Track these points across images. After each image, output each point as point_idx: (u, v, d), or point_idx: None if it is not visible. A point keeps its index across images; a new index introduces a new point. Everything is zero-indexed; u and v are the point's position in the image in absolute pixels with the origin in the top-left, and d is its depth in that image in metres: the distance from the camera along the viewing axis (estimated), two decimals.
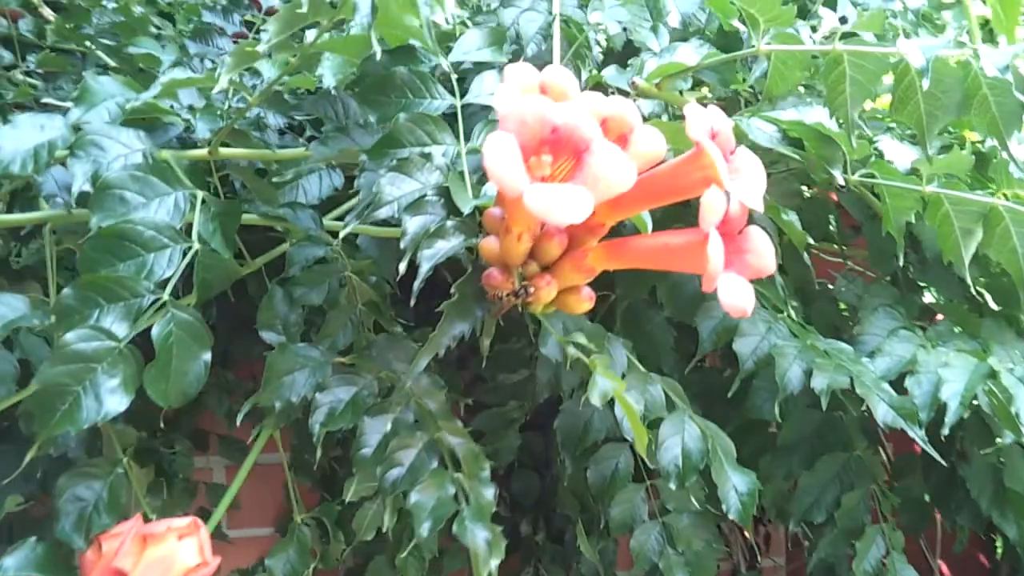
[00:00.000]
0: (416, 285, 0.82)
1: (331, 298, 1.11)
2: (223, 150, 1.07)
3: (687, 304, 1.30)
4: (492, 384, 1.60)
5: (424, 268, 0.81)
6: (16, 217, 1.03)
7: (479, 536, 0.91)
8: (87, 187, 0.91)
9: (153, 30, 1.46)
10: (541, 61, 1.16)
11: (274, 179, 1.19)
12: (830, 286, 1.65)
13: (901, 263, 1.18)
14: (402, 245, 0.84)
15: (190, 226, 0.95)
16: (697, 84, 1.30)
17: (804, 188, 1.54)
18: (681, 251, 0.72)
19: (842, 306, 1.62)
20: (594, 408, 1.28)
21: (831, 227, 1.63)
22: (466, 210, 0.86)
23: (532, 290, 0.78)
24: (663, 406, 1.12)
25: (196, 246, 0.92)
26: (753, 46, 0.98)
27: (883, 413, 1.13)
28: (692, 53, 1.01)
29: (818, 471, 1.47)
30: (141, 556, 0.88)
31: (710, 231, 0.68)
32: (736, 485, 1.08)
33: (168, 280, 0.90)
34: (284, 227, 1.17)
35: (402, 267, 0.83)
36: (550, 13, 1.18)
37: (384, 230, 1.09)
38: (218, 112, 1.11)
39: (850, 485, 1.47)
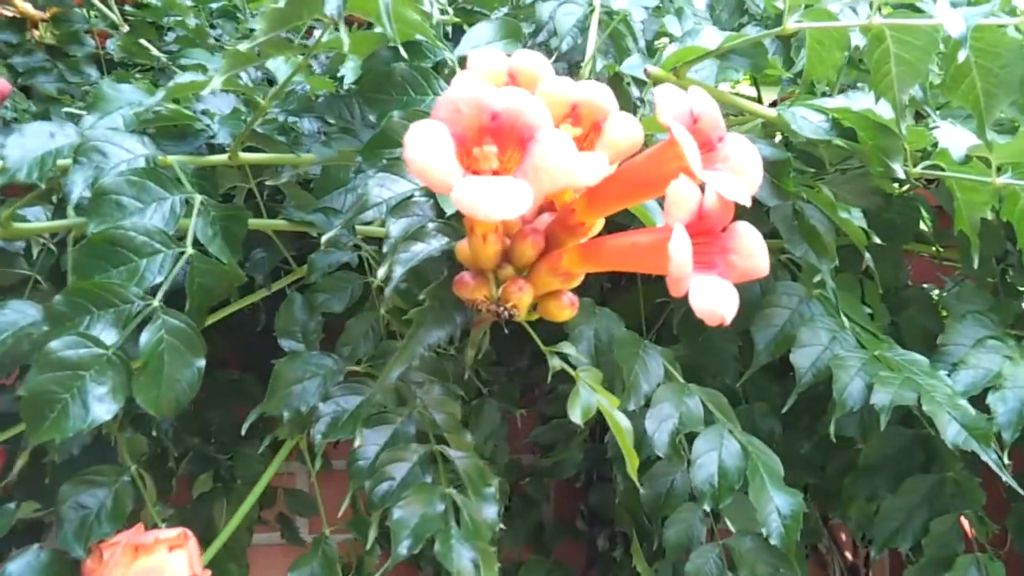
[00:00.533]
0: (387, 291, 0.75)
1: (353, 305, 1.06)
2: (244, 155, 1.04)
3: (742, 310, 1.18)
4: (553, 395, 1.52)
5: (397, 272, 0.75)
6: (36, 226, 1.02)
7: (464, 556, 0.83)
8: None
9: (212, 40, 1.45)
10: (576, 56, 1.09)
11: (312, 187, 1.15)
12: (937, 291, 1.50)
13: (976, 264, 1.04)
14: (384, 249, 0.78)
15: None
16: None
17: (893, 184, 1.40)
18: (649, 250, 0.63)
19: (944, 313, 1.46)
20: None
21: (925, 227, 1.47)
22: (451, 210, 0.78)
23: (511, 304, 0.70)
24: (700, 419, 1.01)
25: (189, 251, 0.88)
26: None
27: (953, 433, 0.99)
28: (715, 36, 0.90)
29: (904, 493, 1.32)
30: (131, 567, 0.85)
31: (674, 227, 0.58)
32: (779, 507, 0.96)
33: (160, 286, 0.86)
34: (316, 232, 1.13)
35: (381, 272, 0.76)
36: (590, 5, 1.10)
37: None
38: (243, 117, 1.08)
39: (941, 509, 1.30)
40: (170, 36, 1.56)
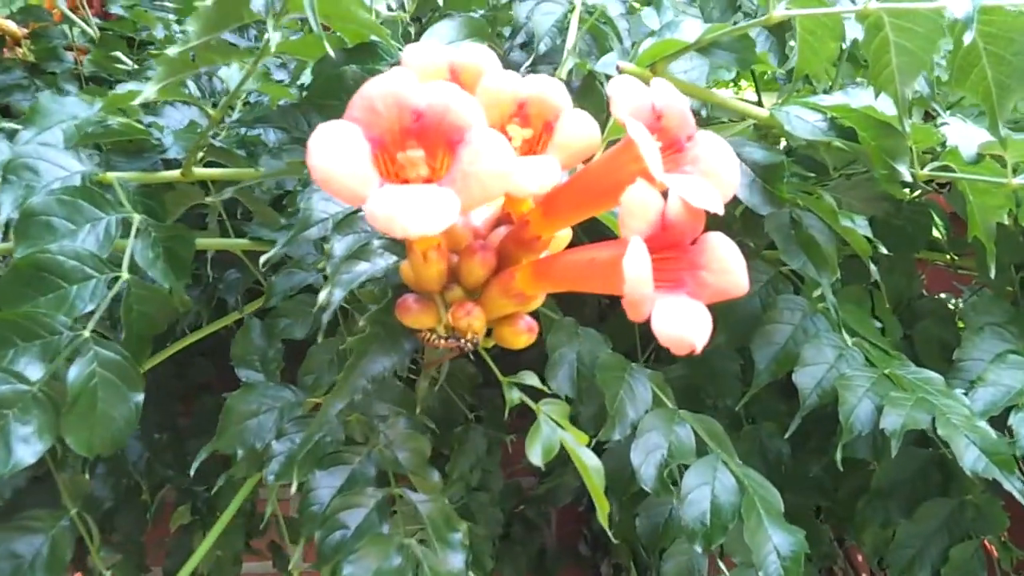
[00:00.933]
0: (325, 317, 0.66)
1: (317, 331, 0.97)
2: (199, 171, 0.96)
3: (741, 326, 1.09)
4: None
5: (336, 296, 0.66)
6: None
7: None
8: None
9: None
10: (558, 58, 1.00)
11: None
12: (954, 301, 1.39)
13: (992, 273, 0.93)
14: (327, 270, 0.69)
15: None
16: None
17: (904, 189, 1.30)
18: (607, 267, 0.53)
19: (961, 324, 1.36)
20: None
21: (938, 234, 1.36)
22: None
23: (464, 331, 0.61)
24: (691, 450, 0.91)
25: (124, 276, 0.79)
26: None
27: (972, 459, 0.89)
28: (695, 28, 0.81)
29: (921, 519, 1.21)
30: None
31: (630, 240, 0.49)
32: (778, 546, 0.86)
33: (92, 314, 0.78)
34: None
35: (322, 296, 0.67)
36: (570, 3, 1.01)
37: None
38: (198, 131, 1.00)
39: (961, 535, 1.20)
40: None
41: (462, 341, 0.62)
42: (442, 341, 0.62)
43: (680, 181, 0.53)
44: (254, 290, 1.20)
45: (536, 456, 0.63)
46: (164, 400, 1.35)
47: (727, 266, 0.54)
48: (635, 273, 0.48)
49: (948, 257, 1.37)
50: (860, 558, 1.81)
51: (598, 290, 0.56)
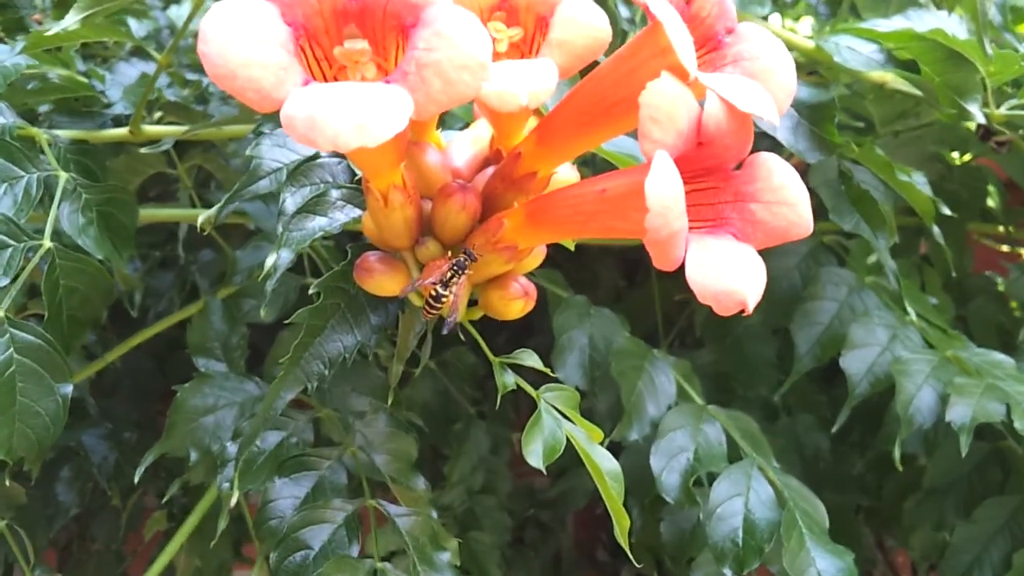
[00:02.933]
0: (269, 286, 0.52)
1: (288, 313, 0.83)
2: (149, 128, 0.82)
3: (779, 304, 0.94)
4: None
5: (283, 258, 0.52)
6: None
7: None
8: None
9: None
10: None
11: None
12: (999, 279, 1.23)
13: None
14: (278, 228, 0.55)
15: None
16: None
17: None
18: (623, 200, 0.39)
19: (1014, 305, 1.20)
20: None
21: (991, 203, 1.21)
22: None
23: (449, 294, 0.46)
24: (721, 454, 0.76)
25: (47, 245, 0.65)
26: None
27: None
28: None
29: (979, 520, 1.05)
30: None
31: (654, 154, 0.34)
32: (822, 571, 0.71)
33: (7, 290, 0.64)
34: (253, 225, 0.91)
35: (269, 261, 0.53)
36: None
37: None
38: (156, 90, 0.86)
39: None
40: None
41: (433, 311, 0.47)
42: (427, 309, 0.48)
43: (721, 79, 0.38)
44: None
45: (535, 457, 0.48)
46: (140, 396, 1.22)
47: (786, 196, 0.40)
48: (660, 196, 0.33)
49: (1002, 229, 1.21)
50: (901, 560, 1.65)
51: (611, 233, 0.41)
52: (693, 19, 0.41)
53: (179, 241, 1.07)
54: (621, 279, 1.30)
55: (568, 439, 0.51)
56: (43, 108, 0.87)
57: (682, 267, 0.91)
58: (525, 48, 0.45)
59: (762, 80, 0.40)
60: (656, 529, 0.99)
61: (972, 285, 1.21)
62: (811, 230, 0.40)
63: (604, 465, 0.49)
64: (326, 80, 0.37)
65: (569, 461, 1.29)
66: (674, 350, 1.08)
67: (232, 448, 0.70)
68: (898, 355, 0.85)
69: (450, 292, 0.45)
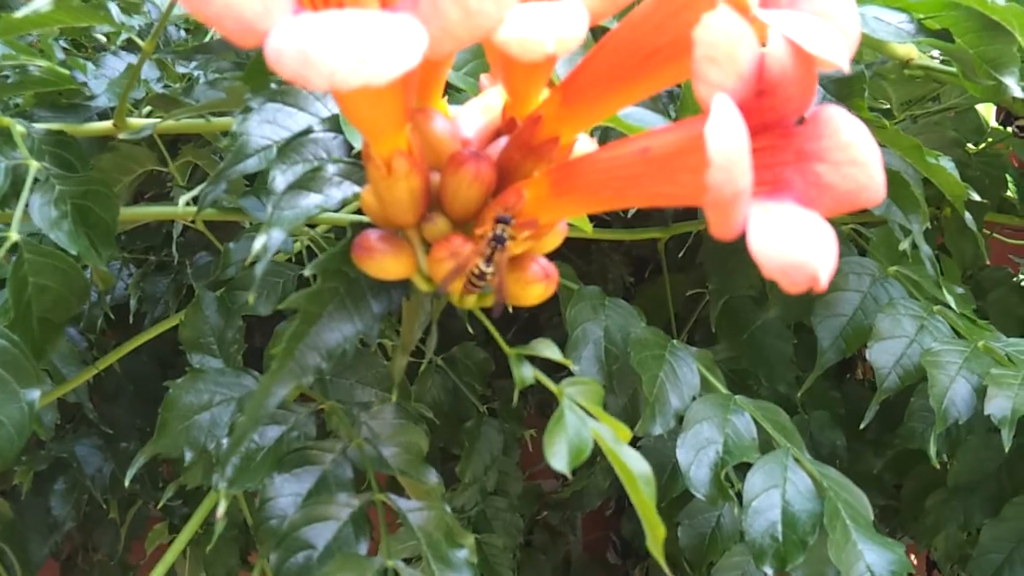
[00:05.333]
0: (259, 268, 0.46)
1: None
2: (134, 120, 0.75)
3: (798, 298, 0.87)
4: None
5: (275, 238, 0.45)
6: None
7: None
8: None
9: None
10: None
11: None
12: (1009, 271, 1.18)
13: None
14: (268, 209, 0.48)
15: None
16: None
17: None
18: (671, 159, 0.32)
19: None
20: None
21: (1009, 192, 1.15)
22: (360, 144, 0.49)
23: (492, 270, 0.39)
24: (753, 445, 0.70)
25: (13, 237, 0.59)
26: None
27: None
28: None
29: (1009, 518, 0.98)
30: None
31: (712, 100, 0.28)
32: (872, 566, 0.64)
33: None
34: (248, 222, 0.85)
35: (258, 243, 0.46)
36: None
37: None
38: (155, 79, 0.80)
39: None
40: None
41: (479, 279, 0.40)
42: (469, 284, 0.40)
43: (786, 16, 0.32)
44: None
45: (559, 459, 0.42)
46: (142, 401, 1.15)
47: (855, 155, 0.33)
48: (725, 146, 0.27)
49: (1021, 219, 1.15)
50: (914, 560, 1.59)
51: (654, 200, 0.35)
52: None
53: (174, 243, 1.01)
54: (629, 275, 1.24)
55: (595, 440, 0.44)
56: (20, 101, 0.81)
57: (693, 260, 0.83)
58: None
59: (826, 19, 0.34)
60: (673, 533, 0.93)
61: (989, 277, 1.15)
62: (884, 195, 0.34)
63: (634, 467, 0.42)
64: (317, 9, 0.31)
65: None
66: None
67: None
68: (927, 346, 0.79)
69: (492, 268, 0.39)
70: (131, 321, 1.03)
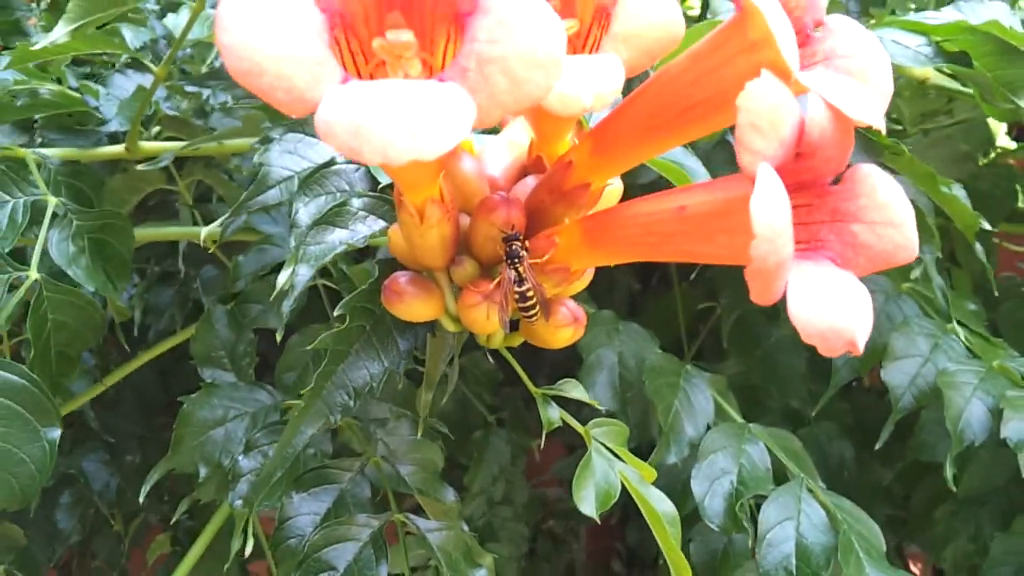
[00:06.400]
0: (286, 306, 0.46)
1: (298, 317, 0.77)
2: (146, 144, 0.75)
3: None
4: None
5: (301, 275, 0.46)
6: None
7: None
8: None
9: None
10: None
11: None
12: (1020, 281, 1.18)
13: None
14: (291, 242, 0.49)
15: None
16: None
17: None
18: (708, 220, 0.33)
19: None
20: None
21: (1020, 203, 1.15)
22: (385, 179, 0.49)
23: (528, 285, 0.40)
24: (767, 476, 0.70)
25: (33, 276, 0.59)
26: None
27: None
28: None
29: (1020, 532, 0.99)
30: None
31: (757, 169, 0.29)
32: None
33: None
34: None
35: (281, 278, 0.47)
36: None
37: None
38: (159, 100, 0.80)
39: None
40: None
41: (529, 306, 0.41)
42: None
43: (826, 80, 0.32)
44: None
45: (588, 504, 0.42)
46: (142, 410, 1.15)
47: (892, 215, 0.34)
48: (769, 218, 0.28)
49: None
50: (919, 568, 1.60)
51: (688, 257, 0.35)
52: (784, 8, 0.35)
53: (179, 254, 1.01)
54: (636, 284, 1.24)
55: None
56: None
57: (702, 268, 0.83)
58: (579, 43, 0.39)
59: (859, 79, 0.34)
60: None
61: (999, 288, 1.16)
62: (916, 255, 0.34)
63: (660, 508, 0.43)
64: (361, 74, 0.31)
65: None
66: (697, 361, 1.02)
67: (244, 463, 0.64)
68: (942, 366, 0.80)
69: (527, 282, 0.39)
70: (136, 333, 1.03)
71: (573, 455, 1.27)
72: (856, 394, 1.23)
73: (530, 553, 1.40)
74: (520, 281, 0.39)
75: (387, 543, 0.61)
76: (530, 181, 0.44)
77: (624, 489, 1.36)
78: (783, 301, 0.82)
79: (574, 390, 0.46)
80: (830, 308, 0.31)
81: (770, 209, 0.28)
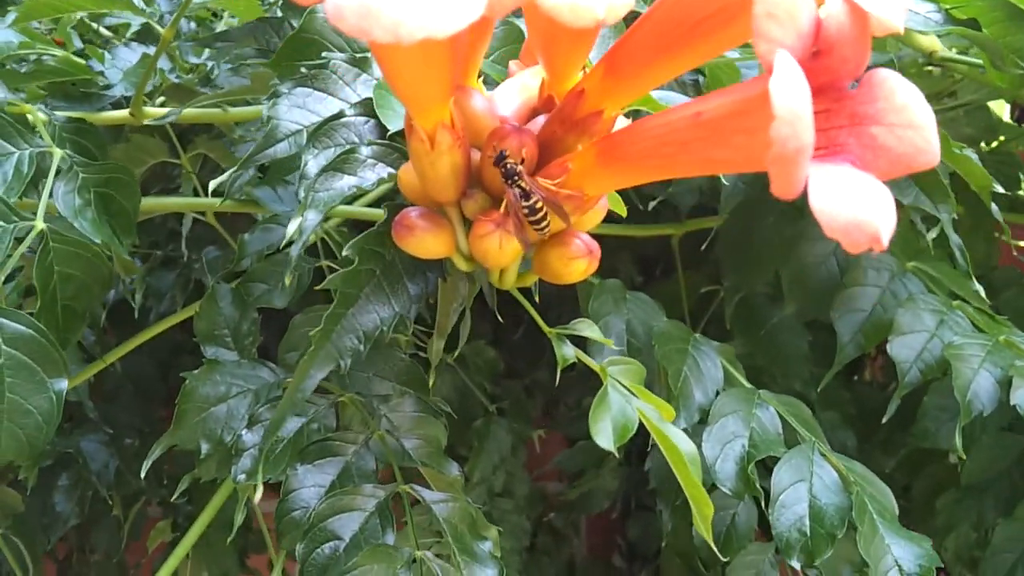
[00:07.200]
0: (294, 251, 0.45)
1: (303, 297, 0.76)
2: (151, 110, 0.75)
3: (819, 292, 0.87)
4: (580, 412, 1.20)
5: (310, 220, 0.45)
6: None
7: None
8: None
9: None
10: None
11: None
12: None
13: None
14: (299, 193, 0.48)
15: None
16: None
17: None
18: (726, 121, 0.32)
19: None
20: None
21: (1022, 191, 1.15)
22: (394, 127, 0.49)
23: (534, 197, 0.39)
24: (778, 439, 0.70)
25: (39, 225, 0.58)
26: None
27: None
28: None
29: (1022, 518, 0.98)
30: None
31: (775, 56, 0.28)
32: (900, 560, 0.64)
33: None
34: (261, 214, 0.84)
35: (291, 226, 0.46)
36: None
37: None
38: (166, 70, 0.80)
39: None
40: None
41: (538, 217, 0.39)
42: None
43: None
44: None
45: (605, 437, 0.41)
46: (142, 401, 1.14)
47: (911, 117, 0.33)
48: (789, 101, 0.27)
49: None
50: None
51: (705, 165, 0.35)
52: None
53: (182, 238, 1.00)
54: (638, 274, 1.23)
55: (640, 419, 0.44)
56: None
57: (706, 257, 0.82)
58: None
59: None
60: (688, 533, 0.92)
61: (1000, 277, 1.15)
62: (939, 159, 0.34)
63: (682, 446, 0.42)
64: None
65: (589, 462, 1.22)
66: None
67: (247, 436, 0.63)
68: (948, 340, 0.79)
69: (533, 194, 0.38)
70: (136, 317, 1.02)
71: (574, 447, 1.26)
72: (858, 386, 1.23)
73: (530, 547, 1.39)
74: (526, 195, 0.38)
75: (392, 517, 0.61)
76: (541, 120, 0.44)
77: (627, 489, 1.34)
78: (788, 281, 0.81)
79: (587, 329, 0.45)
80: (853, 202, 0.30)
81: (790, 91, 0.27)
